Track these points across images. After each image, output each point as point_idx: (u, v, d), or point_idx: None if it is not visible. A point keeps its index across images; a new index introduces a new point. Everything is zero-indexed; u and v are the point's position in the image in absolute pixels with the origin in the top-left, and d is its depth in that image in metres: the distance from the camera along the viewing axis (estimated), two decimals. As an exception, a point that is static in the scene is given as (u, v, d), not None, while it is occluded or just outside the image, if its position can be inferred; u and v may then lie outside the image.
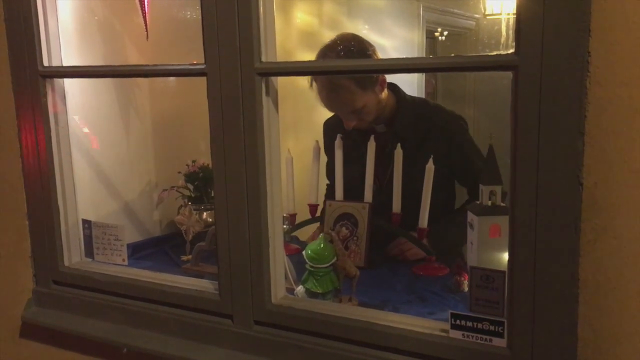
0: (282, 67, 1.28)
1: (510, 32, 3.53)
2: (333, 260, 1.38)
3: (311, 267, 1.38)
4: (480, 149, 1.89)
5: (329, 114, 2.01)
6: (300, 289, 1.40)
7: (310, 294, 1.37)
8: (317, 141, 1.87)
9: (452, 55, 1.09)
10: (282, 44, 1.17)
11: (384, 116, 1.87)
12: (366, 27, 3.63)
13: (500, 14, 3.69)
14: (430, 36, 4.51)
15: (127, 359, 1.44)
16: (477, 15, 4.66)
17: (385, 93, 1.85)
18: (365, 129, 1.86)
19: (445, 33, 4.67)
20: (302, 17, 3.10)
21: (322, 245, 1.38)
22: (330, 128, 2.01)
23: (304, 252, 1.41)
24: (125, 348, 1.42)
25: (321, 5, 3.29)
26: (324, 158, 1.85)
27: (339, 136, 1.77)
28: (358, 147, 1.84)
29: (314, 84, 1.81)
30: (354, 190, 1.77)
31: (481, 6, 3.88)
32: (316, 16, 3.23)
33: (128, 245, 1.61)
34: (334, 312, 1.24)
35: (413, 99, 1.96)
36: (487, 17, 3.85)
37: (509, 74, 0.99)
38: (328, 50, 1.78)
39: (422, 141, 1.82)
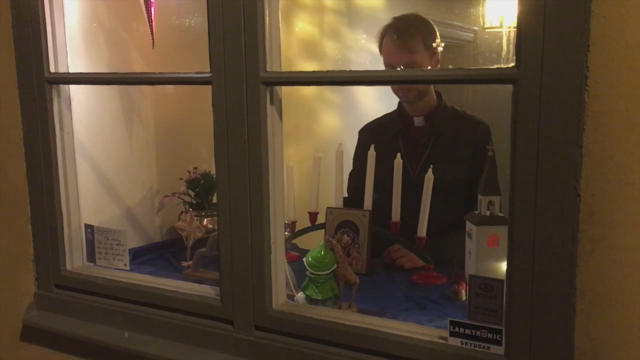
0: (287, 77, 1.30)
1: (511, 46, 3.56)
2: (333, 267, 1.39)
3: (311, 274, 1.39)
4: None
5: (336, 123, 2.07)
6: (300, 295, 1.42)
7: (310, 300, 1.39)
8: (317, 150, 1.88)
9: (454, 67, 1.11)
10: (283, 53, 1.19)
11: (425, 109, 1.99)
12: (364, 37, 3.66)
13: (499, 27, 3.72)
14: (429, 47, 4.53)
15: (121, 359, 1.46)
16: (475, 28, 4.69)
17: (433, 87, 2.00)
18: (410, 100, 1.97)
19: (443, 44, 4.70)
20: (303, 27, 3.13)
21: (322, 253, 1.40)
22: (366, 136, 2.09)
23: (304, 259, 1.42)
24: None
25: (322, 16, 3.32)
26: (324, 167, 1.87)
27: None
28: (393, 147, 1.93)
29: (385, 38, 1.94)
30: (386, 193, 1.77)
31: (480, 19, 3.91)
32: (317, 26, 3.26)
33: (129, 251, 1.62)
34: (334, 318, 1.25)
35: (460, 111, 2.07)
36: (487, 30, 3.87)
37: (508, 87, 1.01)
38: (396, 20, 1.95)
39: (456, 138, 1.94)
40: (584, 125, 0.95)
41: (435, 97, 2.03)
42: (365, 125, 2.18)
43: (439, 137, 1.94)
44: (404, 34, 1.91)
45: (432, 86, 2.00)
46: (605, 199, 0.95)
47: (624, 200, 0.94)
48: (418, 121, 2.00)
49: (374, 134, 2.07)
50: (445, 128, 1.97)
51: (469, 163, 1.89)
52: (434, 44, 1.93)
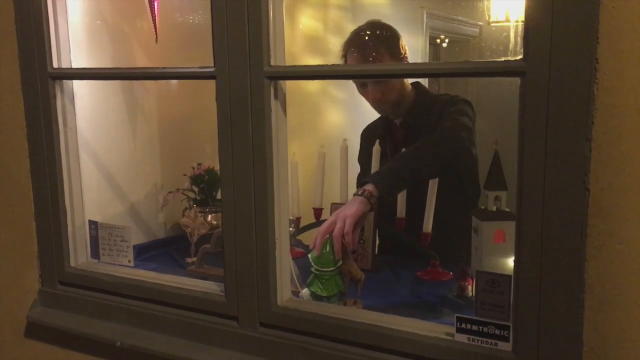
0: (291, 71, 1.29)
1: (519, 38, 3.55)
2: (338, 264, 1.38)
3: (316, 270, 1.38)
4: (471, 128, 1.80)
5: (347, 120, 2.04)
6: (305, 291, 1.41)
7: (315, 297, 1.38)
8: (321, 146, 1.88)
9: (462, 61, 1.11)
10: (287, 49, 1.19)
11: (404, 108, 1.92)
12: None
13: (504, 21, 3.71)
14: (432, 43, 4.52)
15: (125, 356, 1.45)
16: (480, 23, 4.68)
17: (408, 87, 1.92)
18: (387, 112, 1.92)
19: (447, 40, 4.69)
20: (307, 22, 3.12)
21: (327, 249, 1.39)
22: (367, 136, 2.05)
23: (309, 255, 1.41)
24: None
25: (326, 11, 3.31)
26: (329, 162, 1.86)
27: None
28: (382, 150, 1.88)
29: (348, 55, 1.86)
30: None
31: (486, 14, 3.89)
32: (321, 21, 3.25)
33: (133, 247, 1.61)
34: (340, 314, 1.25)
35: (437, 95, 2.01)
36: (492, 25, 3.86)
37: (514, 81, 1.00)
38: (357, 33, 1.86)
39: (432, 129, 1.82)
40: (592, 118, 0.94)
41: (413, 96, 1.94)
42: (365, 127, 2.13)
43: (417, 133, 1.86)
44: (366, 48, 1.82)
45: (406, 88, 1.92)
46: (614, 193, 0.94)
47: (633, 194, 0.93)
48: (397, 122, 1.95)
49: (368, 136, 2.02)
50: (419, 123, 1.89)
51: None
52: (400, 50, 1.84)
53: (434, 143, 1.67)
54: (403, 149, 1.72)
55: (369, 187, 1.48)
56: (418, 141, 1.70)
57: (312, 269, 1.39)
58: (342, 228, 1.40)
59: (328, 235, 1.41)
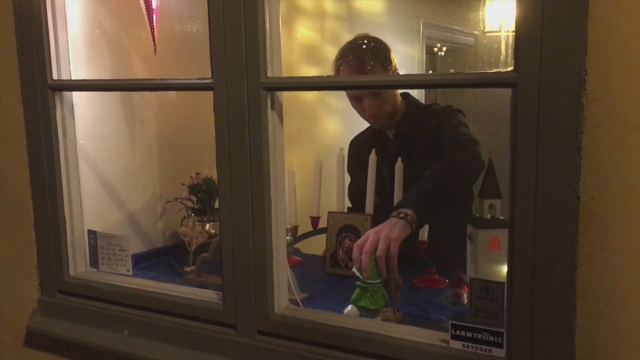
0: (288, 82, 1.31)
1: (509, 50, 3.58)
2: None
3: (363, 283, 1.36)
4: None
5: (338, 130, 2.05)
6: (350, 308, 1.37)
7: (364, 311, 1.35)
8: (318, 155, 1.89)
9: (454, 72, 1.13)
10: (284, 58, 1.21)
11: (397, 119, 1.93)
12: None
13: (499, 31, 3.74)
14: (429, 52, 4.56)
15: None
16: (476, 32, 4.72)
17: (399, 97, 1.94)
18: (382, 125, 1.93)
19: (444, 49, 4.73)
20: (304, 32, 3.15)
21: (374, 261, 1.37)
22: (357, 147, 2.06)
23: (354, 269, 1.38)
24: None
25: (323, 21, 3.34)
26: (326, 171, 1.88)
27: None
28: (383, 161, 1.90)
29: (341, 68, 1.87)
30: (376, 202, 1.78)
31: (480, 24, 3.93)
32: (318, 32, 3.27)
33: (131, 256, 1.62)
34: (336, 322, 1.26)
35: (426, 105, 2.02)
36: (487, 34, 3.90)
37: (508, 90, 1.02)
38: (349, 47, 1.88)
39: (428, 141, 1.87)
40: (582, 128, 0.96)
41: (404, 106, 1.95)
42: (353, 138, 2.13)
43: (411, 145, 1.89)
44: (359, 61, 1.83)
45: (398, 99, 1.93)
46: (604, 201, 0.96)
47: (623, 202, 0.95)
48: (390, 134, 1.96)
49: (359, 147, 2.03)
50: (413, 134, 1.91)
51: (439, 139, 1.82)
52: (391, 63, 1.86)
53: (457, 164, 1.68)
54: (397, 160, 1.75)
55: (408, 210, 1.48)
56: (439, 163, 1.70)
57: (358, 283, 1.37)
58: (384, 249, 1.38)
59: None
